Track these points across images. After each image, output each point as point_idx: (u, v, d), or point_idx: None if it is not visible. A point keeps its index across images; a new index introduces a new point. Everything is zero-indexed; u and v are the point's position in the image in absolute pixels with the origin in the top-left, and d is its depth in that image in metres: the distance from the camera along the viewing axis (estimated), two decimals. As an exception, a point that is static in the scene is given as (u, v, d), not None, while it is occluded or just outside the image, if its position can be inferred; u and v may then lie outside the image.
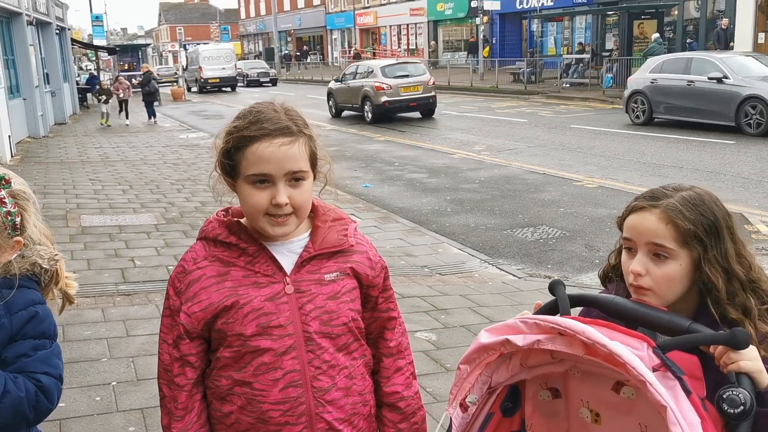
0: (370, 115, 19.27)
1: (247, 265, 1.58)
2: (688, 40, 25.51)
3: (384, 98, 18.76)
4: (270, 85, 40.57)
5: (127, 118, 21.67)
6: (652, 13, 24.46)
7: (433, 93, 19.44)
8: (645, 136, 14.17)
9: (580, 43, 29.48)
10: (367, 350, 1.71)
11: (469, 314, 5.23)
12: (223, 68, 36.91)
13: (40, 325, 1.61)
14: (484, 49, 37.23)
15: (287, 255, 1.60)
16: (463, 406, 1.54)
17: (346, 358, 1.63)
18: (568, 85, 25.63)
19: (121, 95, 22.10)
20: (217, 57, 37.07)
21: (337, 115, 21.25)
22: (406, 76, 19.33)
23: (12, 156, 13.64)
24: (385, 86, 18.78)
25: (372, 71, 19.83)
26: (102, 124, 20.95)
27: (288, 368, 1.55)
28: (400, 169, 12.11)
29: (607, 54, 24.74)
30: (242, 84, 40.97)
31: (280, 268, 1.58)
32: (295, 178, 1.53)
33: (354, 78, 20.51)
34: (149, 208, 8.89)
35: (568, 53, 29.58)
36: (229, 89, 37.81)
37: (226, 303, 1.54)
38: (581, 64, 26.07)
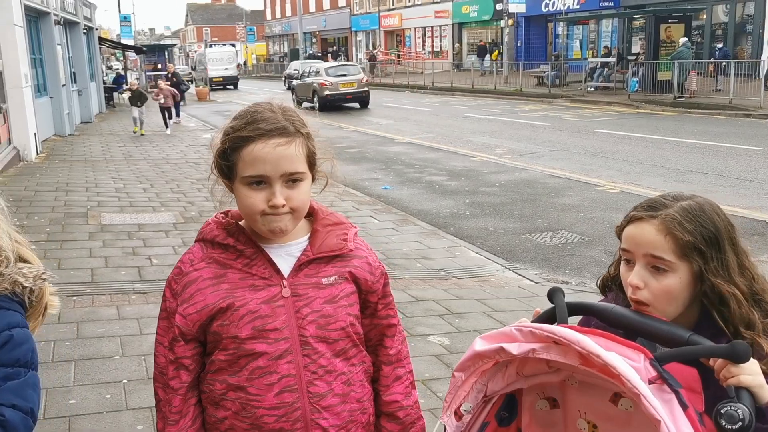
0: (317, 106, 23.75)
1: (244, 268, 1.56)
2: (719, 45, 25.12)
3: (327, 92, 24.02)
4: None
5: (167, 126, 19.11)
6: (679, 17, 24.09)
7: (366, 89, 24.83)
8: (669, 142, 13.99)
9: (606, 47, 29.17)
10: (366, 357, 1.68)
11: (484, 319, 5.18)
12: (226, 68, 40.16)
13: (14, 352, 1.44)
14: (492, 53, 37.35)
15: (285, 258, 1.59)
16: (458, 415, 1.52)
17: (344, 364, 1.60)
18: (592, 89, 25.40)
19: (162, 101, 19.03)
20: (220, 58, 40.85)
21: (298, 105, 24.22)
22: (345, 75, 24.88)
23: (38, 153, 13.84)
24: (327, 83, 24.18)
25: (318, 71, 25.53)
26: (135, 132, 18.28)
27: (283, 372, 1.53)
28: (420, 172, 12.07)
29: (634, 58, 24.46)
30: None
31: (278, 271, 1.56)
32: (292, 179, 1.51)
33: (308, 76, 26.28)
34: (169, 207, 8.97)
35: (593, 57, 29.30)
36: (231, 87, 41.23)
37: (221, 305, 1.52)
38: (606, 68, 25.81)
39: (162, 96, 19.02)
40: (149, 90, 26.90)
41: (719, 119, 17.53)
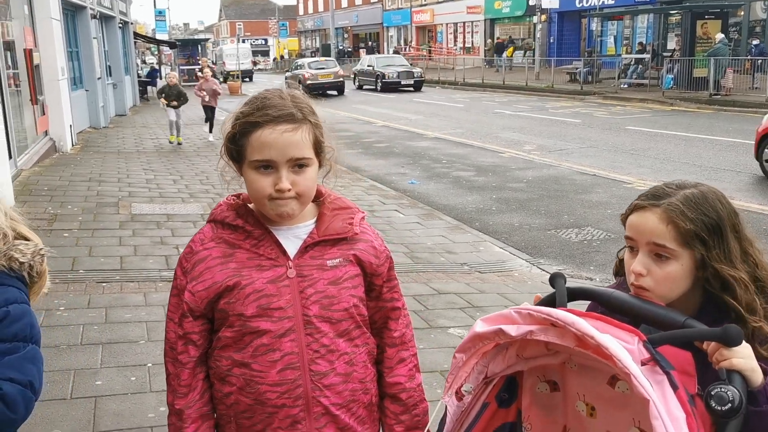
0: None
1: (252, 248, 1.61)
2: (755, 41, 24.61)
3: (308, 81, 29.20)
4: (412, 89, 31.22)
5: (210, 131, 15.64)
6: (716, 13, 23.69)
7: (341, 79, 31.30)
8: (703, 139, 13.77)
9: (640, 43, 28.77)
10: (370, 339, 1.71)
11: (505, 312, 5.18)
12: (242, 63, 42.14)
13: (11, 327, 1.47)
14: (507, 49, 37.12)
15: (292, 240, 1.63)
16: (459, 395, 1.55)
17: (347, 345, 1.64)
18: (626, 86, 25.10)
19: (207, 99, 15.30)
20: (233, 54, 43.47)
21: None
22: (324, 68, 31.85)
23: (73, 145, 14.12)
24: (308, 75, 30.55)
25: (302, 65, 33.24)
26: (171, 142, 14.56)
27: (286, 350, 1.57)
28: (447, 167, 12.07)
29: (669, 54, 24.09)
30: (373, 88, 32.26)
31: (284, 252, 1.61)
32: (298, 165, 1.55)
33: (296, 69, 33.57)
34: (197, 198, 9.10)
35: (627, 53, 28.92)
36: (247, 79, 44.45)
37: (228, 283, 1.57)
38: (641, 65, 25.47)
39: (204, 93, 15.31)
40: (183, 84, 26.88)
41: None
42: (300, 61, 36.42)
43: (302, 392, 1.58)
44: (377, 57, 36.37)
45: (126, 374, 3.98)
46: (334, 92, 30.86)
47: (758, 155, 10.40)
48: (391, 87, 31.18)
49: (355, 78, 35.46)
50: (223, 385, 1.61)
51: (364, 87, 33.81)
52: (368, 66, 33.96)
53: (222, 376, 1.61)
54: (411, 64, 35.47)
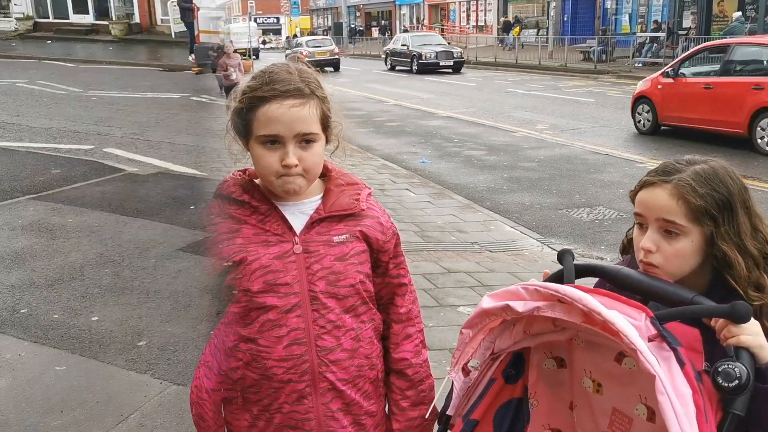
0: None
1: (258, 224, 1.60)
2: (773, 19, 24.22)
3: (306, 59, 30.06)
4: (451, 71, 28.13)
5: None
6: (733, -10, 23.44)
7: (336, 56, 33.11)
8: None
9: (655, 21, 28.40)
10: (376, 315, 1.71)
11: (515, 292, 5.17)
12: (248, 41, 43.49)
13: None
14: (514, 28, 36.83)
15: (298, 216, 1.62)
16: (465, 371, 1.55)
17: (354, 320, 1.64)
18: (640, 65, 24.81)
19: (234, 77, 14.25)
20: (242, 33, 45.26)
21: None
22: (320, 46, 33.96)
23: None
24: (306, 53, 31.01)
25: (301, 44, 36.13)
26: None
27: (292, 326, 1.57)
28: (459, 146, 12.01)
29: (684, 32, 23.81)
30: (408, 69, 29.25)
31: (290, 228, 1.60)
32: (305, 140, 1.54)
33: (296, 47, 36.36)
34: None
35: (642, 31, 28.55)
36: (254, 57, 44.56)
37: (234, 259, 1.57)
38: (656, 43, 25.16)
39: (231, 68, 14.37)
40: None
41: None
42: (299, 39, 40.63)
43: (308, 367, 1.59)
44: (411, 35, 33.05)
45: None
46: (330, 68, 31.45)
47: (633, 115, 12.86)
48: (428, 69, 27.84)
49: (386, 58, 32.57)
50: (230, 360, 1.62)
51: (397, 68, 30.84)
52: (402, 45, 30.75)
53: (228, 352, 1.62)
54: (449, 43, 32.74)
